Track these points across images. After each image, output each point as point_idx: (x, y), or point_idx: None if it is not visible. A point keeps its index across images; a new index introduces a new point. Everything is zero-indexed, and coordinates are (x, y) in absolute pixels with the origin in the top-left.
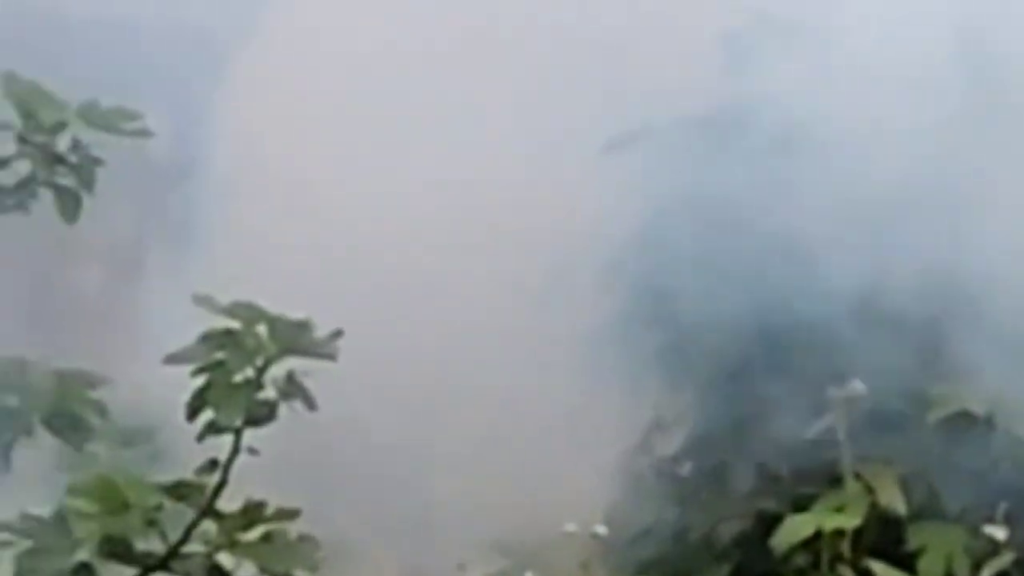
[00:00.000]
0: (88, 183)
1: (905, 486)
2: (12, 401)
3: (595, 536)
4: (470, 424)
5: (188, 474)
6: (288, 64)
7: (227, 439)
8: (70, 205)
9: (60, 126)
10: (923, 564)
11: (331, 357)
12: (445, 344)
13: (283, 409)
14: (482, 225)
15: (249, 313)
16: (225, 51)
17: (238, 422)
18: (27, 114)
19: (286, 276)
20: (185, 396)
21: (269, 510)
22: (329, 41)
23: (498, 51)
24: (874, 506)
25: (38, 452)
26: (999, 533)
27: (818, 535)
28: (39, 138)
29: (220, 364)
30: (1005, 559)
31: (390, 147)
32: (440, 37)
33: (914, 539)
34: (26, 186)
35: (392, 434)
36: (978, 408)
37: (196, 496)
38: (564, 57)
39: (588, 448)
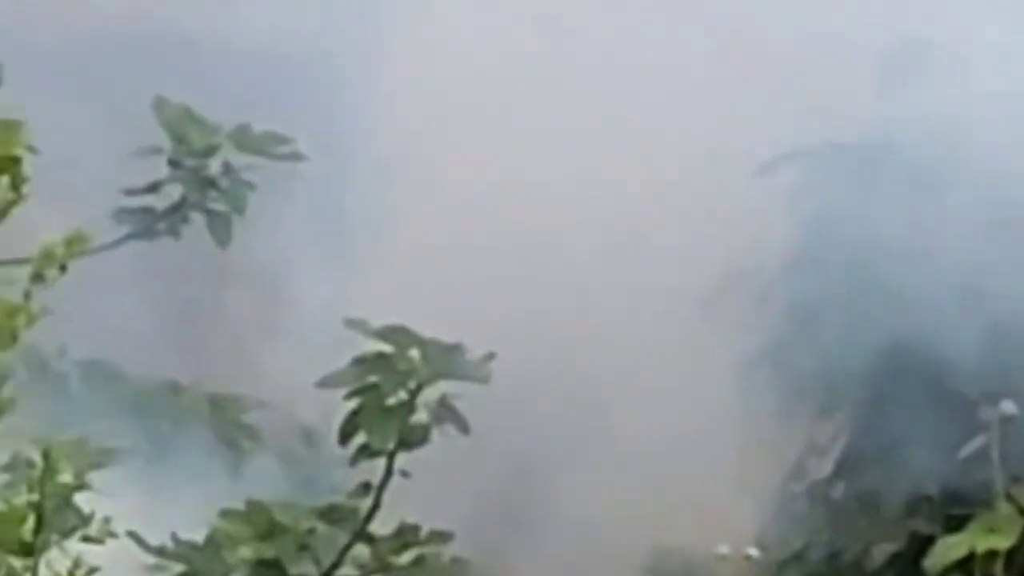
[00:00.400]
0: (240, 207)
1: None
2: (165, 425)
3: (748, 558)
4: (623, 446)
5: (340, 498)
6: (431, 78)
7: (380, 462)
8: (222, 229)
9: (211, 150)
10: None
11: (483, 380)
12: (598, 366)
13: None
14: (636, 246)
15: (402, 337)
16: (366, 73)
17: (391, 445)
18: (178, 138)
19: (438, 298)
20: (337, 420)
21: (422, 533)
22: (473, 52)
23: (650, 79)
24: None
25: (188, 476)
26: None
27: (971, 556)
28: (190, 162)
29: (373, 388)
30: None
31: (544, 164)
32: (590, 52)
33: None
34: (178, 210)
35: (543, 453)
36: None
37: (349, 520)
38: (717, 80)
39: (741, 471)
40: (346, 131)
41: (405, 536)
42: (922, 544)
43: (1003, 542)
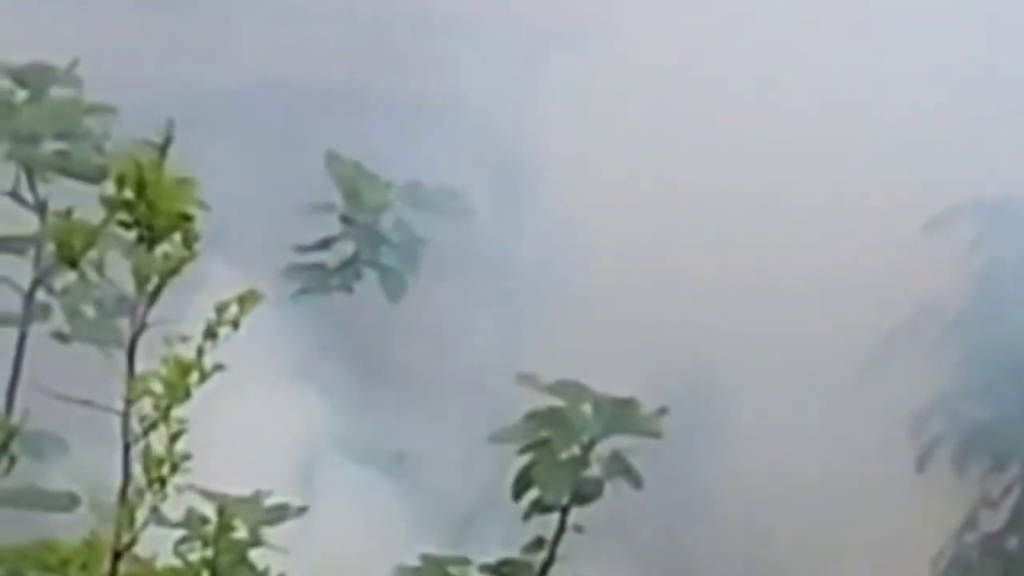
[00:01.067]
0: (412, 262)
1: None
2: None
3: None
4: (795, 499)
5: (514, 553)
6: (598, 133)
7: (553, 517)
8: (394, 285)
9: (383, 206)
10: None
11: (656, 435)
12: (764, 418)
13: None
14: (808, 296)
15: (574, 391)
16: (534, 130)
17: (564, 500)
18: (350, 195)
19: (608, 351)
20: (509, 475)
21: None
22: (639, 107)
23: (823, 129)
24: None
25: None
26: None
27: None
28: (362, 218)
29: (545, 442)
30: None
31: (709, 215)
32: (751, 102)
33: None
34: (350, 266)
35: (713, 505)
36: None
37: (524, 575)
38: (883, 132)
39: (915, 523)
40: (516, 186)
41: None
42: None
43: None
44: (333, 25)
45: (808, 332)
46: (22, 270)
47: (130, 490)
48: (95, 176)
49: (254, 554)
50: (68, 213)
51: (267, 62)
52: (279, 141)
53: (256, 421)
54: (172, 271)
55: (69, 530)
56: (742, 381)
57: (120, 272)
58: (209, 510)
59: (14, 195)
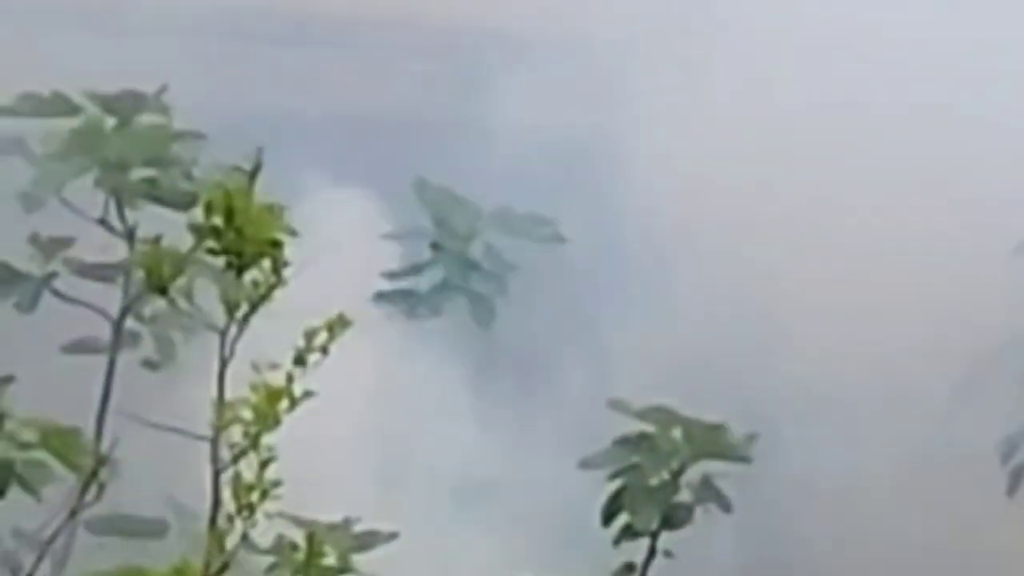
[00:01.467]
0: (502, 289)
1: None
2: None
3: None
4: (881, 516)
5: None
6: (690, 155)
7: (643, 542)
8: (484, 311)
9: (473, 232)
10: None
11: (747, 460)
12: (857, 437)
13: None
14: (902, 319)
15: (664, 416)
16: (623, 154)
17: (654, 526)
18: (440, 221)
19: (699, 376)
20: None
21: None
22: (731, 127)
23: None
24: None
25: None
26: None
27: None
28: (452, 244)
29: (635, 468)
30: None
31: (801, 249)
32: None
33: None
34: (439, 292)
35: (806, 529)
36: None
37: None
38: (970, 159)
39: (1004, 547)
40: (605, 212)
41: None
42: None
43: None
44: (417, 54)
45: (902, 352)
46: (111, 298)
47: (220, 517)
48: (184, 203)
49: None
50: (157, 240)
51: (353, 90)
52: (367, 168)
53: (342, 445)
54: (261, 298)
55: (159, 557)
56: (834, 399)
57: (208, 299)
58: (299, 537)
59: (103, 222)
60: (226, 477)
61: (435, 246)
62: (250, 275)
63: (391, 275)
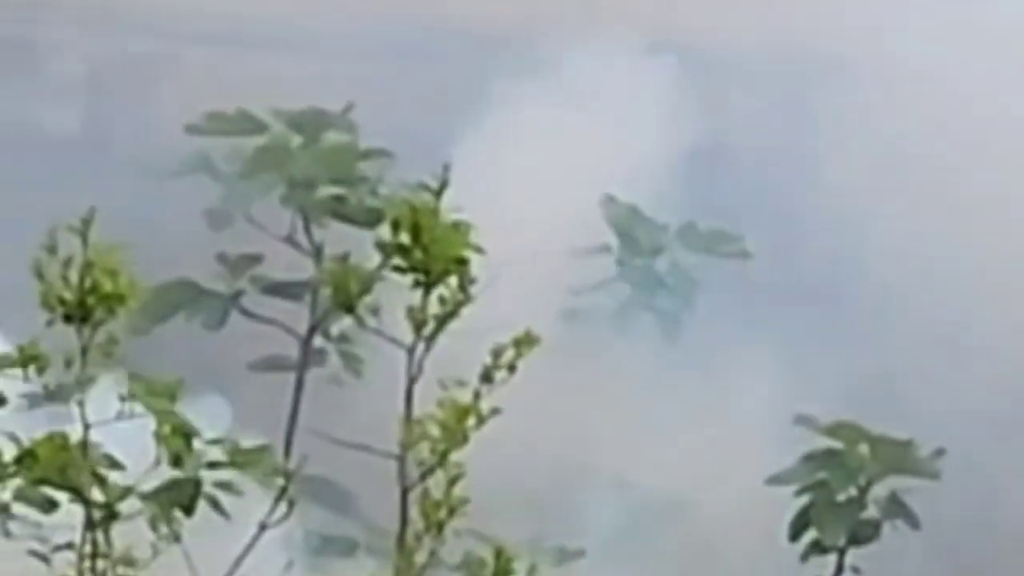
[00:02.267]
0: (687, 304)
1: None
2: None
3: None
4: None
5: None
6: (870, 171)
7: (831, 558)
8: (670, 326)
9: (659, 249)
10: None
11: (934, 476)
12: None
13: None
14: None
15: (851, 433)
16: (803, 170)
17: (842, 542)
18: (625, 237)
19: (886, 390)
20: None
21: None
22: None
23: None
24: None
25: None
26: None
27: None
28: (638, 261)
29: (823, 484)
30: None
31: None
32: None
33: None
34: (626, 308)
35: (987, 546)
36: None
37: None
38: None
39: None
40: (788, 227)
41: None
42: None
43: None
44: None
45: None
46: (299, 316)
47: (408, 534)
48: (370, 220)
49: None
50: (344, 258)
51: (525, 104)
52: (550, 182)
53: (527, 462)
54: (448, 315)
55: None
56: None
57: (395, 317)
58: (487, 553)
59: (290, 240)
60: (415, 495)
61: (620, 262)
62: (437, 292)
63: (576, 291)
